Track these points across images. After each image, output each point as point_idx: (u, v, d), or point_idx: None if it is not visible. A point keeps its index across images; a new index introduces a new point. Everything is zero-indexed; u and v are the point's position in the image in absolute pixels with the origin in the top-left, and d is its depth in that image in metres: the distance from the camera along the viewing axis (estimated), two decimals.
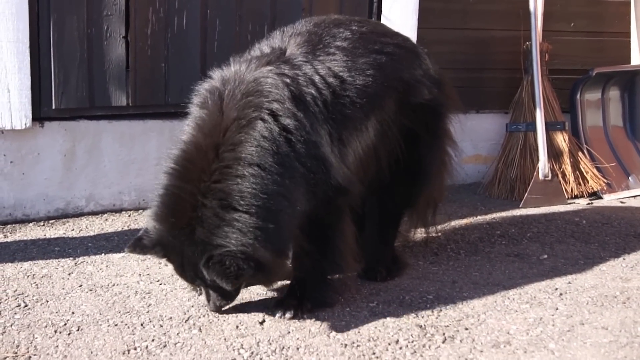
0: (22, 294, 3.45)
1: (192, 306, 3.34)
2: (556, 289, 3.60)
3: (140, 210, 4.59)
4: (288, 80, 3.15)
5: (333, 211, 3.26)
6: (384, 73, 3.39)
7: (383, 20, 4.95)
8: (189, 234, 3.04)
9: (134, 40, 4.49)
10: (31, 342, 3.01)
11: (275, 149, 3.05)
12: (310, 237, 3.25)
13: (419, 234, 4.11)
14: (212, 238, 3.01)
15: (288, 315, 3.24)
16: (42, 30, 4.35)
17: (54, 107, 4.41)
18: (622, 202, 5.03)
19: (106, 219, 4.47)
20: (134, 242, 3.17)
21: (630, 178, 5.28)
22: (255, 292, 3.47)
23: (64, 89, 4.40)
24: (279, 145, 3.06)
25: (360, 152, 3.33)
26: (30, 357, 2.92)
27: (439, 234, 4.23)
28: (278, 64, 3.22)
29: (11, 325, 3.14)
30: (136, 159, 4.57)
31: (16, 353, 2.94)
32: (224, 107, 3.13)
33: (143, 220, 4.40)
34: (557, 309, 3.38)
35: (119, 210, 4.57)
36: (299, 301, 3.28)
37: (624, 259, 4.01)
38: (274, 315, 3.24)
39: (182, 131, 3.26)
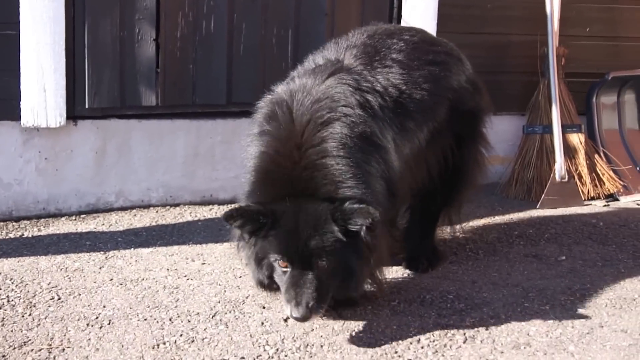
0: (56, 286, 3.43)
1: (219, 302, 3.30)
2: (575, 290, 3.52)
3: (168, 207, 4.54)
4: (352, 89, 3.10)
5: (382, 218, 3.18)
6: (438, 85, 3.40)
7: (403, 25, 4.86)
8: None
9: (163, 42, 4.46)
10: (64, 335, 2.99)
11: (355, 147, 2.98)
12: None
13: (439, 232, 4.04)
14: (336, 192, 2.88)
15: None
16: (77, 33, 4.34)
17: (87, 107, 4.39)
18: (638, 204, 4.93)
19: (135, 215, 4.44)
20: (236, 209, 2.88)
21: None
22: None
23: (97, 89, 4.38)
24: (358, 145, 2.99)
25: (412, 164, 3.32)
26: (64, 349, 2.90)
27: (458, 233, 4.17)
28: (341, 75, 3.17)
29: (45, 318, 3.13)
30: (164, 156, 4.52)
31: (50, 345, 2.93)
32: (295, 115, 3.03)
33: (170, 216, 4.38)
34: (576, 310, 3.31)
35: (147, 206, 4.53)
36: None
37: None
38: None
39: (251, 144, 3.14)
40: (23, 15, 4.17)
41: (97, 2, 4.33)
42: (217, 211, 4.47)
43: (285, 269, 2.88)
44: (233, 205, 3.00)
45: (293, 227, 2.84)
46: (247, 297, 3.35)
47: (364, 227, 2.84)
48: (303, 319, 2.82)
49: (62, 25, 4.24)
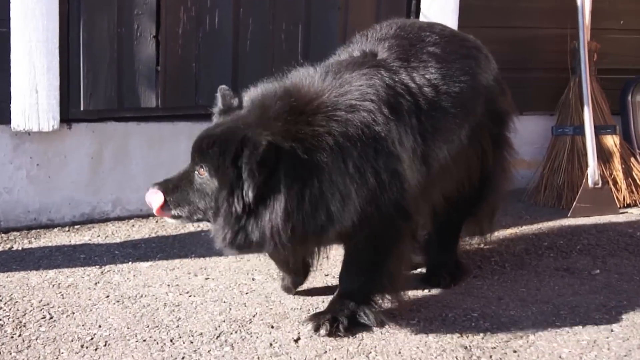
0: (48, 304, 3.41)
1: (224, 321, 3.27)
2: (610, 308, 3.48)
3: None
4: (385, 86, 3.10)
5: (393, 234, 3.18)
6: (474, 79, 3.42)
7: (422, 19, 4.88)
8: None
9: (164, 39, 4.46)
10: (57, 358, 2.96)
11: (355, 149, 2.96)
12: (360, 255, 3.21)
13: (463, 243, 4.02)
14: None
15: (322, 332, 3.14)
16: (72, 29, 4.34)
17: (82, 109, 4.39)
18: None
19: (133, 225, 4.44)
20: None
21: None
22: (289, 307, 3.40)
23: (93, 89, 4.39)
24: (360, 146, 2.97)
25: (450, 166, 3.31)
26: None
27: (482, 245, 4.14)
28: (375, 69, 3.16)
29: (36, 339, 3.10)
30: (165, 162, 4.50)
31: None
32: (324, 90, 3.06)
33: (171, 227, 4.37)
34: (612, 330, 3.27)
35: (146, 216, 4.52)
36: (336, 318, 3.18)
37: None
38: (306, 328, 3.16)
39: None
40: (13, 10, 4.18)
41: None
42: None
43: None
44: None
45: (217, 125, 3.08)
46: (254, 316, 3.32)
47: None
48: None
49: (56, 22, 4.24)
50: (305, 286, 3.58)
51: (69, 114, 4.37)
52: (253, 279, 3.70)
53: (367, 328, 3.19)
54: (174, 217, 3.07)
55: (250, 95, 3.13)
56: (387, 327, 3.22)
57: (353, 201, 2.95)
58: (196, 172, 3.01)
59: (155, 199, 3.05)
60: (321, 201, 2.90)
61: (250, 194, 2.85)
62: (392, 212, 3.07)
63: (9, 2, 4.16)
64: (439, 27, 3.60)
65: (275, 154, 2.84)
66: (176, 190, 3.03)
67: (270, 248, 2.95)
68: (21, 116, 4.23)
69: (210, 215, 3.00)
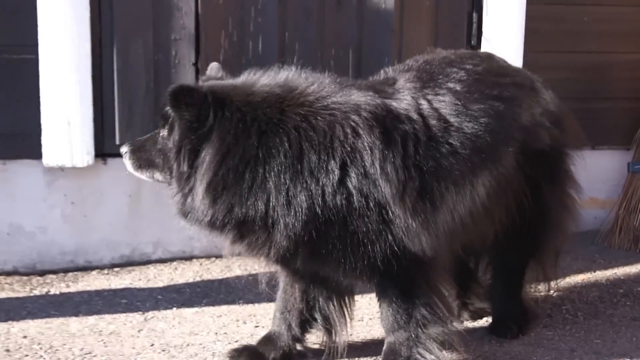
0: (90, 353, 3.68)
1: None
2: None
3: (213, 258, 4.85)
4: (386, 109, 3.32)
5: (407, 282, 3.35)
6: (502, 122, 3.54)
7: (484, 44, 5.15)
8: None
9: (204, 67, 4.55)
10: None
11: (315, 152, 3.18)
12: (382, 298, 3.42)
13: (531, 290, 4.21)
14: None
15: None
16: (105, 56, 4.62)
17: (117, 142, 4.63)
18: None
19: (175, 268, 4.73)
20: None
21: None
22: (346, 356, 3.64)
23: (129, 121, 4.67)
24: (323, 151, 3.19)
25: (461, 212, 3.43)
26: None
27: (552, 291, 4.35)
28: (384, 92, 3.43)
29: None
30: None
31: None
32: (320, 93, 3.33)
33: (217, 270, 4.67)
34: None
35: (189, 258, 4.83)
36: None
37: None
38: None
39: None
40: (42, 36, 4.47)
41: (127, 20, 4.64)
42: None
43: None
44: None
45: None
46: None
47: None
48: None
49: (88, 48, 4.53)
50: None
51: (104, 148, 4.65)
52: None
53: None
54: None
55: (252, 71, 3.43)
56: None
57: (300, 203, 3.15)
58: (157, 134, 3.40)
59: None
60: (254, 181, 3.16)
61: (188, 147, 3.20)
62: (394, 254, 3.24)
63: (37, 27, 4.44)
64: (474, 62, 3.71)
65: (214, 110, 3.18)
66: (142, 148, 3.44)
67: (203, 218, 3.25)
68: (53, 151, 4.52)
69: (168, 178, 3.37)
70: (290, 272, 3.58)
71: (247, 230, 3.25)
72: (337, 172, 3.18)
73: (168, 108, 3.24)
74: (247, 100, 3.23)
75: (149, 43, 4.69)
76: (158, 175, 3.41)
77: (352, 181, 3.19)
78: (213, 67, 3.56)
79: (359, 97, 3.32)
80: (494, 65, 3.82)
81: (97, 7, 4.60)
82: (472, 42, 5.23)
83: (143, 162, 3.42)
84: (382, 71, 3.75)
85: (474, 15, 5.22)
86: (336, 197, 3.17)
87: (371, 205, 3.21)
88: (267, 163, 3.16)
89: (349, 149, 3.20)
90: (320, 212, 3.17)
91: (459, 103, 3.47)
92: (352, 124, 3.22)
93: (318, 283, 3.57)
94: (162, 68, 4.72)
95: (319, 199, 3.16)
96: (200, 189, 3.19)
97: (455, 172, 3.38)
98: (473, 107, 3.49)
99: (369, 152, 3.21)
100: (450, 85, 3.53)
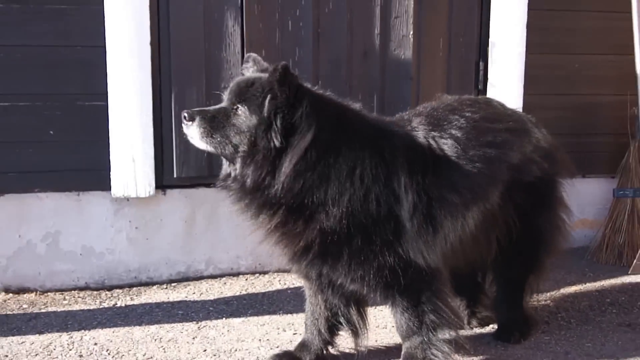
0: (151, 357, 3.76)
1: None
2: None
3: (257, 275, 4.92)
4: (412, 140, 3.48)
5: (415, 293, 3.40)
6: (492, 166, 3.62)
7: (489, 89, 5.22)
8: None
9: None
10: None
11: (364, 161, 3.28)
12: (394, 308, 3.46)
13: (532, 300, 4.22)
14: None
15: None
16: (164, 102, 4.73)
17: (175, 176, 4.78)
18: None
19: (224, 283, 4.79)
20: None
21: None
22: None
23: (185, 158, 4.78)
24: (370, 163, 3.29)
25: (452, 239, 3.51)
26: None
27: (548, 301, 4.39)
28: (402, 125, 3.58)
29: None
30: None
31: None
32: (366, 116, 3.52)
33: (260, 284, 4.73)
34: None
35: (237, 274, 4.91)
36: None
37: None
38: None
39: None
40: (111, 86, 4.59)
41: (182, 71, 4.75)
42: None
43: None
44: None
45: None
46: None
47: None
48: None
49: (149, 96, 4.64)
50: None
51: (163, 181, 4.76)
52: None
53: None
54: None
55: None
56: None
57: (344, 200, 3.21)
58: (233, 110, 3.25)
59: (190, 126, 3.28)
60: (324, 170, 3.18)
61: (282, 123, 3.14)
62: (400, 266, 3.31)
63: (107, 78, 4.57)
64: (472, 110, 3.77)
65: (310, 96, 3.24)
66: (213, 120, 3.25)
67: (278, 193, 3.18)
68: (120, 184, 4.63)
69: (240, 152, 3.23)
70: (314, 284, 3.60)
71: (292, 217, 3.25)
72: (382, 182, 3.27)
73: (261, 85, 3.21)
74: (332, 100, 3.39)
75: (201, 90, 4.79)
76: (228, 148, 3.24)
77: (384, 193, 3.28)
78: (256, 59, 3.50)
79: (400, 129, 3.49)
80: (490, 112, 3.87)
81: (157, 60, 4.70)
82: (479, 87, 5.29)
83: (213, 132, 3.24)
84: (397, 115, 3.84)
85: (481, 64, 5.28)
86: (371, 203, 3.25)
87: (391, 217, 3.30)
88: (337, 157, 3.21)
89: (390, 166, 3.30)
90: (356, 211, 3.23)
91: (459, 147, 3.56)
92: (394, 147, 3.35)
93: (335, 292, 3.58)
94: None
95: (359, 202, 3.23)
96: (289, 164, 3.15)
97: (452, 204, 3.48)
98: (469, 152, 3.58)
99: (400, 171, 3.33)
100: (452, 131, 3.62)
